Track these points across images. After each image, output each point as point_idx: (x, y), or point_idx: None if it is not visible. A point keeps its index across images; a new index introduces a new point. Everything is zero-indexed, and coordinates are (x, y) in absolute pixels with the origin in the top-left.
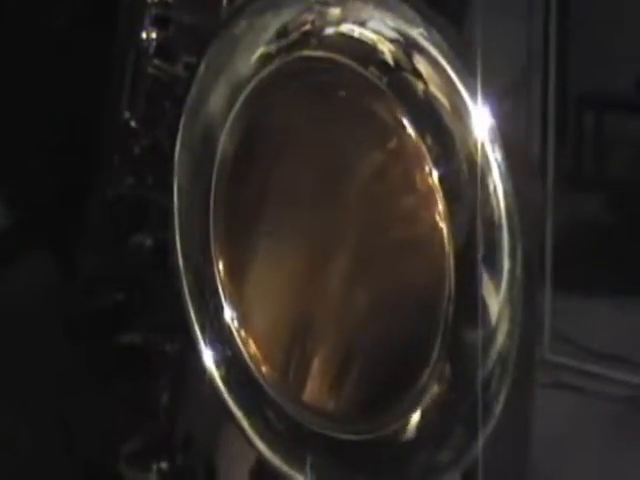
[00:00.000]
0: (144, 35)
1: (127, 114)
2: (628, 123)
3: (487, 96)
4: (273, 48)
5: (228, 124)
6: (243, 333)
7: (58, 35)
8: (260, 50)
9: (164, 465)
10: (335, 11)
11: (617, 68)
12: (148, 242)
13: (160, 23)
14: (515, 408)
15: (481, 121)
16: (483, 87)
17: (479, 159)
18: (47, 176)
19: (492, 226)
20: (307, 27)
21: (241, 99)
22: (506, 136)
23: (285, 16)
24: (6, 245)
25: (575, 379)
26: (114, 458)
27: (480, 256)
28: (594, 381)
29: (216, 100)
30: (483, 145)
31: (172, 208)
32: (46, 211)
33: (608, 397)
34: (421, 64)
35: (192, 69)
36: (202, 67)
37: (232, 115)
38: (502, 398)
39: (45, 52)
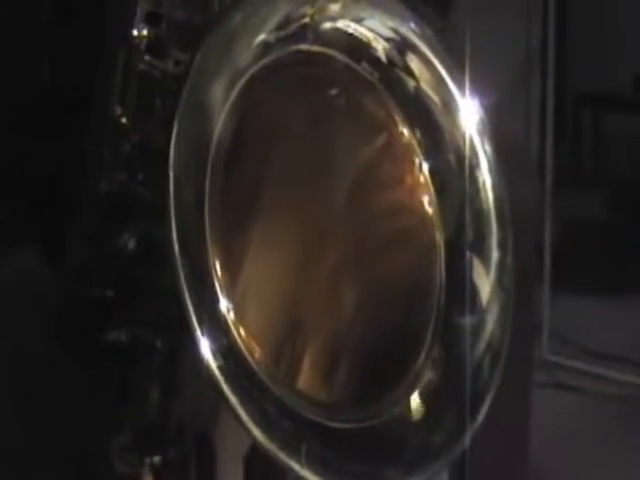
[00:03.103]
0: (135, 31)
1: (118, 110)
2: (626, 122)
3: (476, 91)
4: (272, 37)
5: (224, 115)
6: (239, 323)
7: (49, 31)
8: (261, 37)
9: (156, 459)
10: (334, 7)
11: (615, 67)
12: (138, 238)
13: (151, 19)
14: (511, 401)
15: (470, 115)
16: (473, 83)
17: (467, 151)
18: (38, 170)
19: (481, 217)
20: (306, 20)
21: (237, 89)
22: (496, 129)
23: (281, 10)
24: None
25: (574, 379)
26: (106, 453)
27: (467, 244)
28: (593, 381)
29: (213, 91)
30: (472, 138)
31: (168, 199)
32: (36, 205)
33: (607, 397)
34: (413, 62)
35: (188, 61)
36: (198, 59)
37: (228, 105)
38: (494, 385)
39: (35, 47)
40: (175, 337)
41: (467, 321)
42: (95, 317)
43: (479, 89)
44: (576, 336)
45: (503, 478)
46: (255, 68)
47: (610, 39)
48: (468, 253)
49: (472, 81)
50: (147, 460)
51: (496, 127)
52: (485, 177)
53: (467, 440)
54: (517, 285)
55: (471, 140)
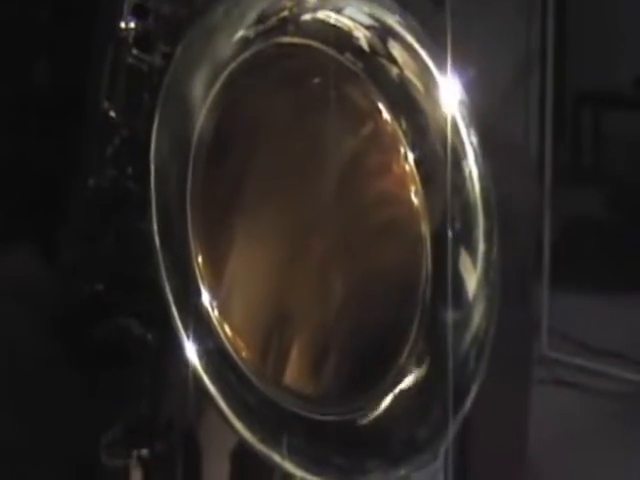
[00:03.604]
0: (123, 25)
1: (106, 104)
2: (626, 120)
3: (462, 79)
4: (252, 32)
5: (205, 109)
6: (224, 320)
7: (38, 25)
8: (240, 33)
9: (144, 452)
10: None
11: (615, 66)
12: (128, 233)
13: (139, 12)
14: (510, 397)
15: (453, 99)
16: (456, 69)
17: (449, 137)
18: (27, 166)
19: (468, 208)
20: (285, 13)
21: (219, 82)
22: (481, 118)
23: (260, 3)
24: None
25: (573, 375)
26: (94, 447)
27: (450, 233)
28: (592, 377)
29: (195, 85)
30: (458, 129)
31: (149, 193)
32: (29, 202)
33: (606, 394)
34: (396, 49)
35: (170, 54)
36: (179, 52)
37: (210, 99)
38: (479, 378)
39: (24, 43)
40: (165, 332)
41: (451, 314)
42: (86, 313)
43: (476, 84)
44: (575, 333)
45: (502, 474)
46: (235, 64)
47: (610, 37)
48: (451, 233)
49: (460, 67)
50: (135, 453)
51: (488, 121)
52: (472, 168)
53: (450, 433)
54: (516, 282)
55: (457, 131)
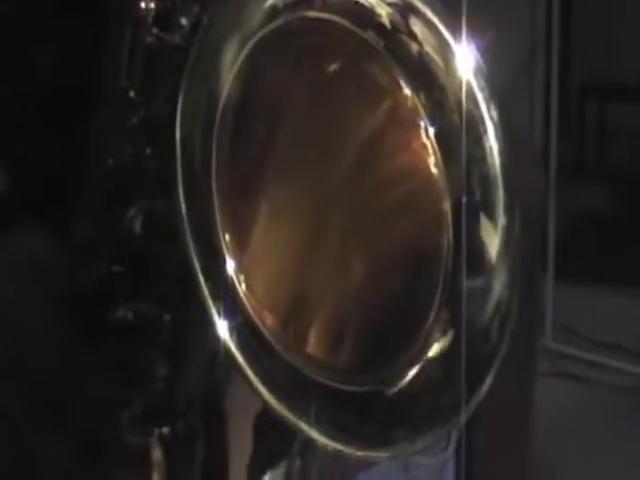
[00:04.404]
0: (143, 5)
1: (125, 84)
2: (631, 112)
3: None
4: (280, 2)
5: (231, 79)
6: (249, 291)
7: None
8: (269, 2)
9: (165, 430)
10: None
11: (620, 57)
12: (145, 212)
13: None
14: (514, 389)
15: (472, 75)
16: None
17: (464, 102)
18: (41, 146)
19: (488, 182)
20: None
21: (244, 54)
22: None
23: None
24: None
25: (577, 368)
26: (115, 426)
27: (464, 200)
28: (596, 371)
29: (222, 55)
30: (477, 102)
31: (176, 163)
32: (41, 181)
33: (610, 387)
34: (416, 25)
35: (196, 23)
36: (208, 22)
37: (235, 70)
38: (502, 349)
39: (45, 17)
40: (182, 310)
41: (475, 282)
42: (101, 294)
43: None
44: (579, 326)
45: (506, 466)
46: (261, 33)
47: (615, 29)
48: (466, 197)
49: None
50: (156, 431)
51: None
52: (492, 143)
53: (462, 417)
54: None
55: (478, 105)
